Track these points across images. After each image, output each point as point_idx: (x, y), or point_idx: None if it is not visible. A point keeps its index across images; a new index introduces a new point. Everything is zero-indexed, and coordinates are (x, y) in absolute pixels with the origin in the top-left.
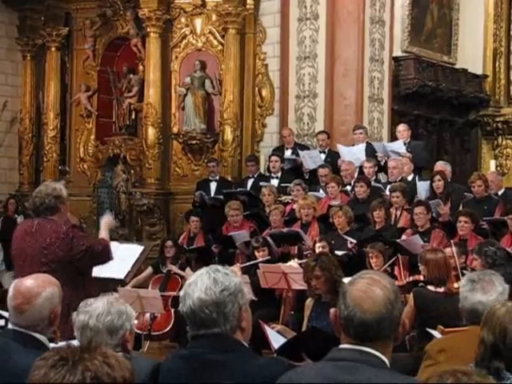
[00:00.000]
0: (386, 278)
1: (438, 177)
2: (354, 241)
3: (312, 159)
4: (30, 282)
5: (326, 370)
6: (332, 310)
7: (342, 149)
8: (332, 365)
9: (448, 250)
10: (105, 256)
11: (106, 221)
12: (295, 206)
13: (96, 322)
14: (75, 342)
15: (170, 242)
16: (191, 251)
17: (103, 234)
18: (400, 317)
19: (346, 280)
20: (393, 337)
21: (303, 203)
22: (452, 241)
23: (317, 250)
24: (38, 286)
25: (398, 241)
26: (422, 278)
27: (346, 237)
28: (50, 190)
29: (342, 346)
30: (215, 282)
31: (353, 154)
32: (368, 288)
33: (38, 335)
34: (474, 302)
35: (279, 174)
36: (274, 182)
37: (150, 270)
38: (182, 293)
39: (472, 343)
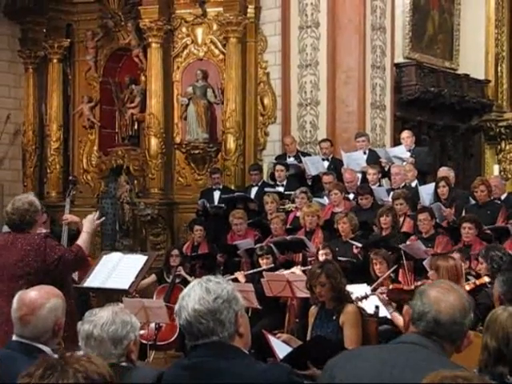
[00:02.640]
0: (463, 290)
1: (442, 183)
2: (360, 245)
3: (314, 165)
4: (34, 293)
5: (385, 350)
6: (406, 307)
7: (343, 155)
8: (393, 347)
9: (455, 255)
10: (79, 262)
11: (88, 224)
12: (299, 214)
13: (100, 331)
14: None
15: (176, 251)
16: (194, 258)
17: (83, 237)
18: (468, 328)
19: (349, 288)
20: (457, 344)
21: (307, 211)
22: (456, 247)
23: (320, 258)
24: (42, 297)
25: (401, 246)
26: (430, 283)
27: (351, 241)
28: (26, 205)
29: (411, 332)
30: (207, 291)
31: (352, 160)
32: (447, 292)
33: (42, 346)
34: None
35: (285, 182)
36: (280, 190)
37: (153, 276)
38: (176, 306)
39: None
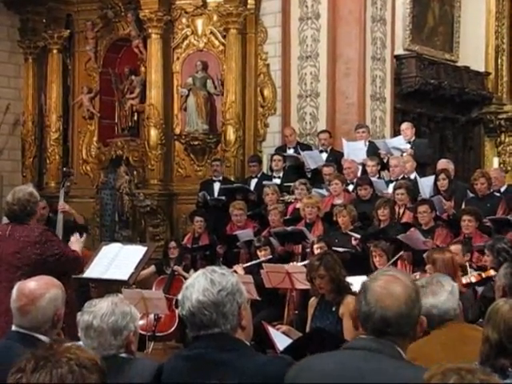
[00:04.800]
0: (408, 276)
1: (442, 175)
2: (359, 236)
3: (312, 159)
4: (33, 283)
5: (343, 357)
6: (351, 306)
7: (345, 144)
8: (349, 352)
9: (454, 247)
10: (76, 265)
11: (74, 241)
12: (299, 205)
13: (100, 322)
14: (80, 343)
15: (173, 243)
16: (195, 250)
17: (75, 246)
18: (419, 315)
19: (349, 279)
20: (410, 334)
21: (307, 202)
22: (458, 238)
23: (315, 251)
24: (42, 288)
25: (399, 237)
26: (428, 276)
27: (350, 233)
28: (27, 196)
29: (361, 336)
30: (212, 282)
31: (353, 150)
32: (389, 285)
33: (41, 337)
34: (426, 307)
35: (281, 174)
36: (276, 182)
37: (152, 267)
38: (180, 296)
39: (438, 347)
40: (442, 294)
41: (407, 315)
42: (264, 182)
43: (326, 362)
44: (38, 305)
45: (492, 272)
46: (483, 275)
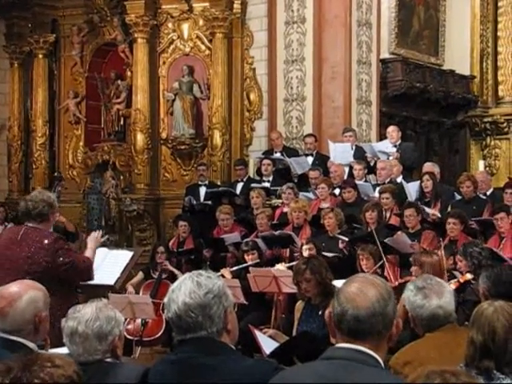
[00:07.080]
0: (380, 279)
1: (426, 176)
2: (346, 239)
3: (299, 165)
4: (13, 286)
5: (322, 368)
6: (327, 312)
7: (331, 145)
8: (327, 363)
9: (441, 253)
10: (86, 275)
11: (92, 242)
12: (286, 210)
13: (85, 328)
14: (64, 350)
15: (161, 248)
16: (181, 253)
17: (89, 252)
18: (394, 315)
19: (336, 283)
20: (386, 335)
21: (295, 206)
22: (442, 243)
23: (304, 253)
24: (21, 290)
25: (386, 240)
26: (414, 279)
27: (338, 236)
28: (45, 196)
29: (337, 345)
30: (199, 285)
31: (339, 152)
32: (361, 285)
33: (27, 342)
34: (433, 308)
35: (271, 178)
36: (266, 186)
37: (140, 274)
38: (166, 299)
39: (434, 350)
40: (446, 295)
41: (380, 314)
42: (252, 185)
43: (304, 375)
44: (15, 306)
45: (468, 276)
46: (461, 280)
